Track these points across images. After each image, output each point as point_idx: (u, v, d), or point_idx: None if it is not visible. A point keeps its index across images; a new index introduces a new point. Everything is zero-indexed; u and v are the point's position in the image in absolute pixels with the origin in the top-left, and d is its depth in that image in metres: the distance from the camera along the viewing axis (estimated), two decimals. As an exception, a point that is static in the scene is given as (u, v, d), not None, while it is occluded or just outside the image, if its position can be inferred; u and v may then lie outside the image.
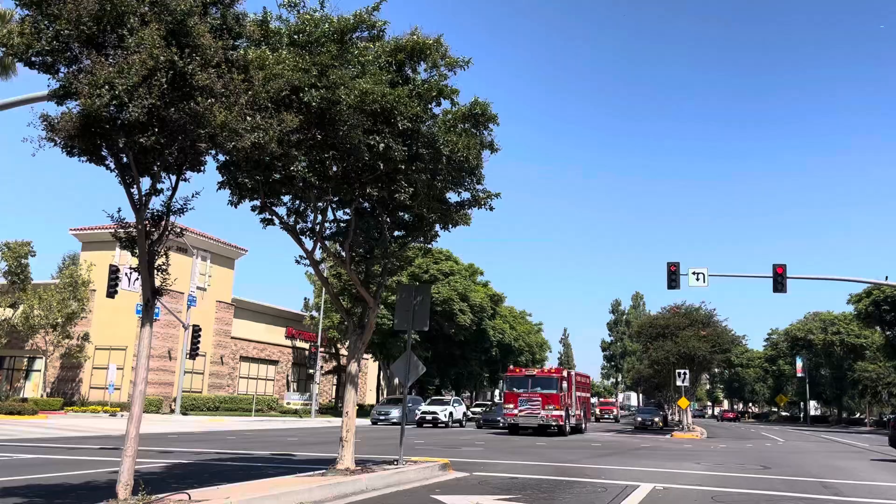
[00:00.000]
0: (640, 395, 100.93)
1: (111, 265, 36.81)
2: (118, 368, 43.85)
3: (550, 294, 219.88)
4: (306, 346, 56.20)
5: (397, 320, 12.93)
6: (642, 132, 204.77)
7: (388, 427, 39.58)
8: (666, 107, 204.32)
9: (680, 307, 44.34)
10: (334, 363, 58.75)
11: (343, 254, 11.05)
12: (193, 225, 50.35)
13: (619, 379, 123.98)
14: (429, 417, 40.28)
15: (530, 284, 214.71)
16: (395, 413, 42.91)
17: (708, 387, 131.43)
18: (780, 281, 33.04)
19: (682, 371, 39.34)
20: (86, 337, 45.28)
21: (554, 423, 32.54)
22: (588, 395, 41.73)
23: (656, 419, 47.15)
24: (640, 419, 48.18)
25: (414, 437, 28.76)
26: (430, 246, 12.50)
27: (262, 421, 40.09)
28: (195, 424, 33.39)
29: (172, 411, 43.22)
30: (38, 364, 47.74)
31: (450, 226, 12.21)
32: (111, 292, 35.81)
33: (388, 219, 11.17)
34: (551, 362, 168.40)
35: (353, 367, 11.49)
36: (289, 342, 59.23)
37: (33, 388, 47.48)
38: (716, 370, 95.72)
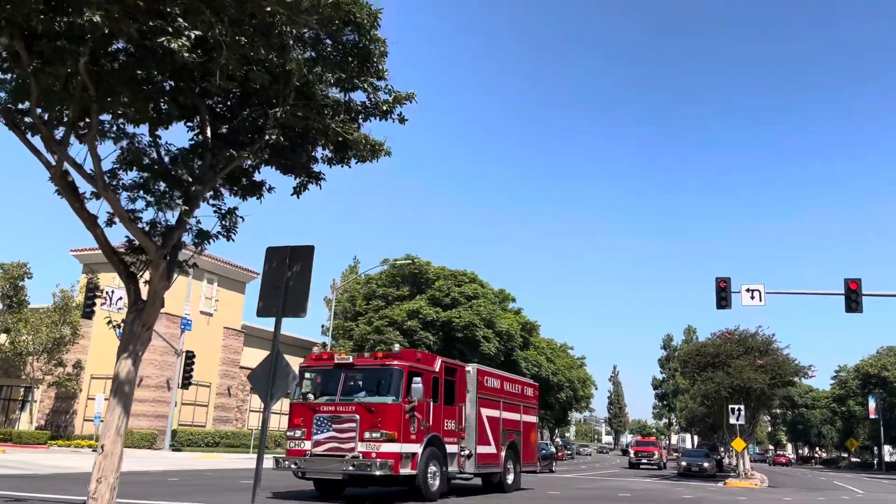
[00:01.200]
0: (695, 436, 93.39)
1: (89, 282, 33.42)
2: (107, 399, 40.27)
3: (599, 330, 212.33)
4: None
5: (262, 303, 8.48)
6: (695, 153, 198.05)
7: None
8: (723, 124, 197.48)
9: (732, 332, 38.56)
10: (353, 396, 54.35)
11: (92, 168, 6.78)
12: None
13: (673, 419, 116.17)
14: None
15: (576, 320, 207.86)
16: None
17: (769, 429, 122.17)
18: (853, 299, 27.51)
19: (735, 407, 33.60)
20: (78, 364, 41.98)
21: (380, 471, 14.43)
22: (532, 418, 22.42)
23: (705, 464, 40.07)
24: (684, 463, 40.95)
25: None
26: (319, 183, 8.02)
27: (255, 459, 35.78)
28: (168, 462, 29.32)
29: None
30: (37, 394, 44.76)
31: (349, 156, 7.83)
32: (87, 312, 32.37)
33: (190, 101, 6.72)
34: (599, 400, 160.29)
35: (122, 367, 7.23)
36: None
37: (28, 419, 44.40)
38: (777, 410, 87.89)
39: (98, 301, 33.02)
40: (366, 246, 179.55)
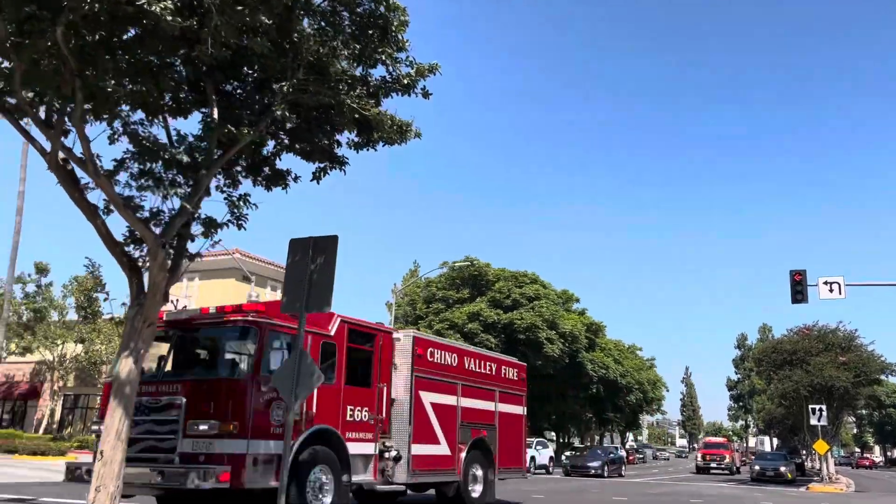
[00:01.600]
0: (774, 439, 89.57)
1: (154, 291, 34.11)
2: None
3: (669, 331, 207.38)
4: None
5: (286, 298, 8.05)
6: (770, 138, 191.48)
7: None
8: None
9: (811, 328, 36.48)
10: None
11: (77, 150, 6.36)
12: (262, 253, 47.92)
13: (749, 421, 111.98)
14: None
15: (644, 320, 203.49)
16: None
17: (855, 430, 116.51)
18: (942, 288, 25.69)
19: (816, 407, 31.70)
20: (149, 372, 43.17)
21: (206, 483, 8.89)
22: (516, 409, 16.43)
23: (782, 468, 36.42)
24: (757, 468, 37.13)
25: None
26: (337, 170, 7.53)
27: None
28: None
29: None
30: (111, 402, 46.28)
31: (375, 138, 7.33)
32: (153, 321, 33.01)
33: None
34: (672, 403, 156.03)
35: (123, 367, 6.79)
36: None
37: (104, 427, 45.98)
38: (862, 411, 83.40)
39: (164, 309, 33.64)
40: (425, 250, 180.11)
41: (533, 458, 34.75)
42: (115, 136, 7.15)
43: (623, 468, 39.07)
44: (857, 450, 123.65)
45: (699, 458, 45.88)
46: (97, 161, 6.84)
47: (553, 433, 69.65)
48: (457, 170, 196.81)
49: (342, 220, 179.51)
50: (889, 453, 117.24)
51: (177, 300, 35.01)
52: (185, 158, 6.80)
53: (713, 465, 44.16)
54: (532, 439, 38.14)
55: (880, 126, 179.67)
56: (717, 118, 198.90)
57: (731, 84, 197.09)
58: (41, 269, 41.67)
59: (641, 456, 70.45)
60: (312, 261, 7.78)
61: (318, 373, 7.85)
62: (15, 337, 42.58)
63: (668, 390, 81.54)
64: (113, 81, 6.07)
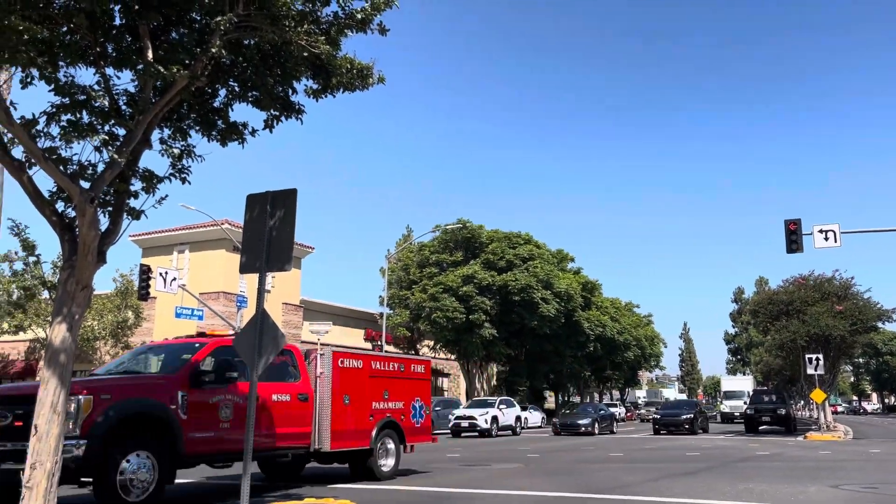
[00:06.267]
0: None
1: (141, 265, 33.64)
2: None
3: (666, 288, 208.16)
4: (390, 348, 51.64)
5: (244, 257, 7.65)
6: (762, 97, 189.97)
7: (468, 440, 33.79)
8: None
9: (806, 278, 36.22)
10: (415, 366, 54.02)
11: None
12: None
13: (748, 373, 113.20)
14: (464, 423, 32.39)
15: (641, 278, 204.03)
16: (481, 420, 36.08)
17: (852, 379, 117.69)
18: (940, 232, 25.35)
19: (813, 356, 31.58)
20: (143, 347, 42.85)
21: None
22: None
23: (685, 416, 34.95)
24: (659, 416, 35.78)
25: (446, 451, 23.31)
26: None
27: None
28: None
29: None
30: (108, 378, 46.09)
31: (333, 84, 6.81)
32: (142, 294, 32.61)
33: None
34: (671, 359, 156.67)
35: (57, 334, 6.31)
36: (369, 345, 55.18)
37: (101, 402, 45.81)
38: (860, 359, 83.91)
39: (153, 282, 33.21)
40: (418, 215, 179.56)
41: (494, 418, 33.24)
42: (28, 80, 6.59)
43: (615, 424, 38.80)
44: (855, 398, 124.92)
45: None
46: (10, 108, 6.29)
47: (552, 392, 70.03)
48: (440, 127, 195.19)
49: (334, 188, 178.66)
50: (886, 400, 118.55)
51: (166, 272, 34.60)
52: (106, 103, 6.26)
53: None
54: (495, 398, 37.35)
55: (871, 77, 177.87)
56: (715, 70, 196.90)
57: (729, 31, 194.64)
58: (28, 247, 40.97)
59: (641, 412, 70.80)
60: (271, 217, 7.38)
61: (282, 333, 7.47)
62: (6, 316, 42.14)
63: (666, 346, 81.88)
64: (16, 21, 5.50)
